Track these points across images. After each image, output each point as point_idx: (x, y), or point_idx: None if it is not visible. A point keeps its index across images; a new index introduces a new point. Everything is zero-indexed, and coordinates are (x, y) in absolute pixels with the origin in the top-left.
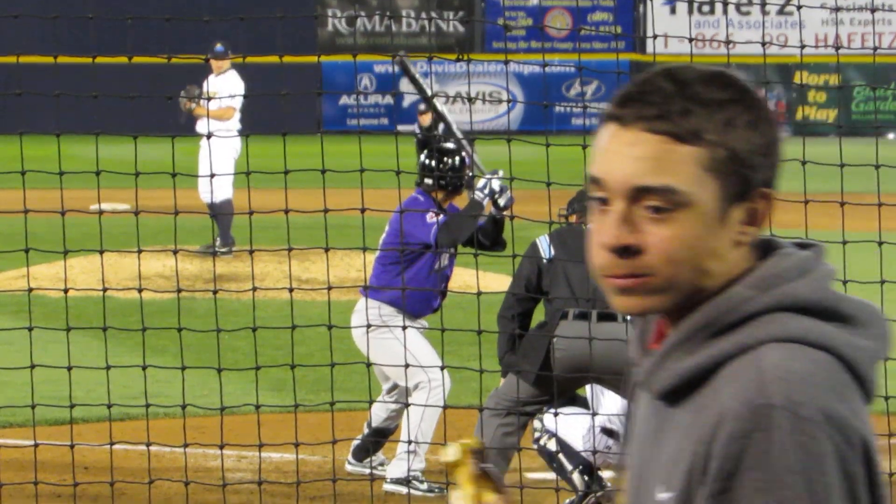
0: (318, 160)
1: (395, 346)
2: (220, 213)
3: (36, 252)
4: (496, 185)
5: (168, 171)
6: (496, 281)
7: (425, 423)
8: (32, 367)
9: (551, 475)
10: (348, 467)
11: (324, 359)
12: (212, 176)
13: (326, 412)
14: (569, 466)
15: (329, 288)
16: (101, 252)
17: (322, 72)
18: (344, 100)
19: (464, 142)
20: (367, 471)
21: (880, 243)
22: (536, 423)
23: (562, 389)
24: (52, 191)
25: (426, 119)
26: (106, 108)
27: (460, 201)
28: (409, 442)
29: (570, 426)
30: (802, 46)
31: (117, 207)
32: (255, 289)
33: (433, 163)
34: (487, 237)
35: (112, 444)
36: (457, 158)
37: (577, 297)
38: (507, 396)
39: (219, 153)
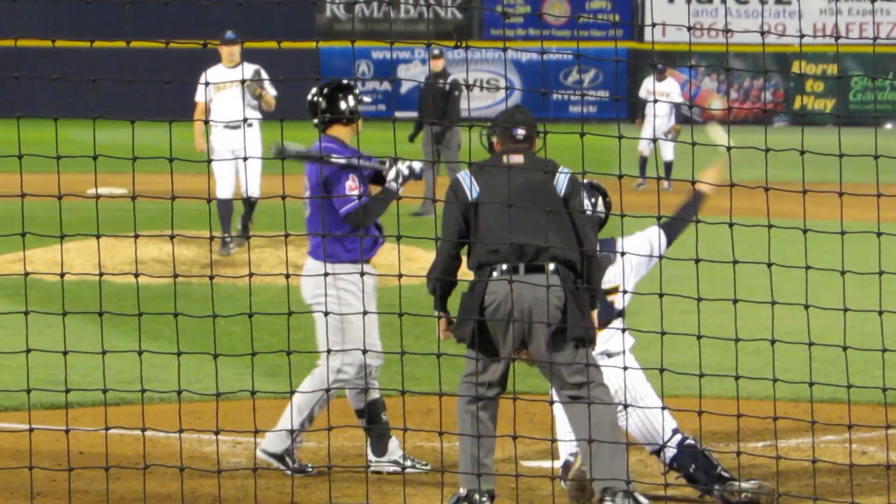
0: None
1: (346, 307)
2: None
3: (32, 236)
4: (404, 168)
5: (165, 156)
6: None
7: (309, 399)
8: (28, 351)
9: (546, 463)
10: (375, 466)
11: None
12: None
13: None
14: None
15: (326, 274)
16: (98, 237)
17: (320, 57)
18: None
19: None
20: (393, 465)
21: (879, 234)
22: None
23: (493, 344)
24: (50, 175)
25: (439, 64)
26: (104, 92)
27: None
28: (296, 429)
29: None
30: (801, 36)
31: (114, 192)
32: (251, 274)
33: (325, 100)
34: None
35: (107, 429)
36: (350, 96)
37: (499, 247)
38: (470, 376)
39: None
